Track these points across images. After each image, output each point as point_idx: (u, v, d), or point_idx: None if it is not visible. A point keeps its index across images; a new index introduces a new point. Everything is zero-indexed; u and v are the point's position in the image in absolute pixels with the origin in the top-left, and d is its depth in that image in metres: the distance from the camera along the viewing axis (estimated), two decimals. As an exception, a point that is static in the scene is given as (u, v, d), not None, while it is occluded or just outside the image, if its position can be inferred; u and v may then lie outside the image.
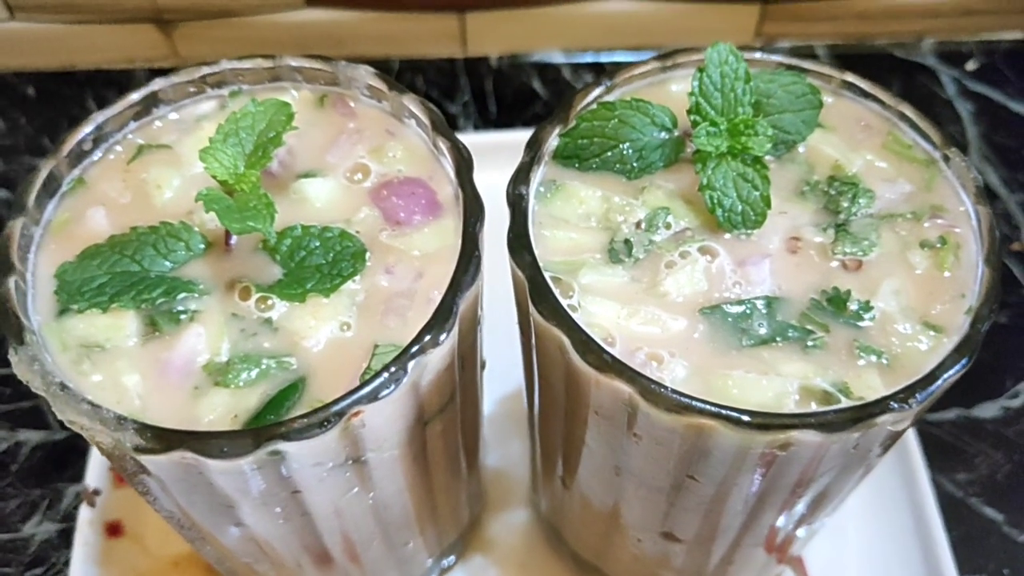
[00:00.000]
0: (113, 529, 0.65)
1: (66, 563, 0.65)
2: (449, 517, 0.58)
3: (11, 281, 0.41)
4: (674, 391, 0.38)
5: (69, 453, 0.70)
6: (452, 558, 0.64)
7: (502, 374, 0.61)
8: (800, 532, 0.54)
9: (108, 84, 0.92)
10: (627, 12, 0.91)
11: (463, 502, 0.59)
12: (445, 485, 0.53)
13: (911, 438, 0.67)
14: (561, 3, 0.90)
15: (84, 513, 0.64)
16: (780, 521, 0.48)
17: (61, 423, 0.70)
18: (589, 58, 0.94)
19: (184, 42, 0.91)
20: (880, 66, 0.93)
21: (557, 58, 0.94)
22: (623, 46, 0.94)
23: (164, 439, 0.37)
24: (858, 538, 0.65)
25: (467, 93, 0.92)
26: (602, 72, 0.93)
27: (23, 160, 0.87)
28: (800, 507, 0.47)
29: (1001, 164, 0.86)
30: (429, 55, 0.94)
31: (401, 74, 0.93)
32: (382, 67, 0.91)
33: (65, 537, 0.66)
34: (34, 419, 0.72)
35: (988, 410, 0.73)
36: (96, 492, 0.65)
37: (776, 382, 0.39)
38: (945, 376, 0.38)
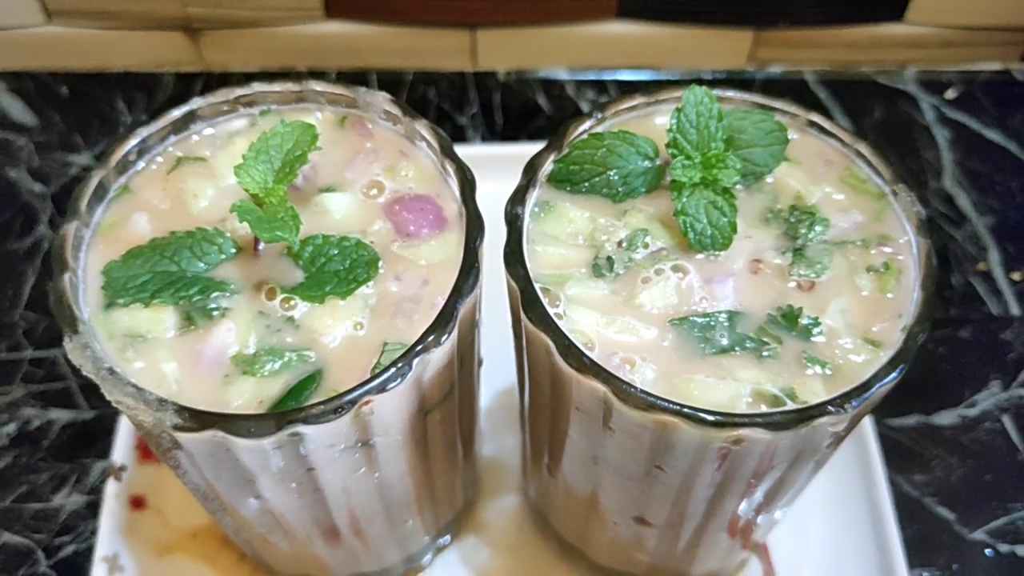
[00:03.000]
0: (137, 502, 0.70)
1: (92, 532, 0.70)
2: (446, 500, 0.63)
3: (66, 277, 0.47)
4: (643, 391, 0.43)
5: (97, 432, 0.75)
6: (448, 538, 0.69)
7: (499, 370, 0.66)
8: (760, 520, 0.59)
9: (137, 86, 0.97)
10: (629, 34, 0.96)
11: (459, 487, 0.65)
12: (443, 470, 0.59)
13: (872, 441, 0.72)
14: (567, 24, 0.95)
15: (111, 487, 0.69)
16: (740, 508, 0.54)
17: (89, 403, 0.76)
18: (592, 76, 0.99)
19: (210, 49, 0.96)
20: (864, 92, 0.98)
21: (562, 75, 0.99)
22: (624, 65, 0.99)
23: (199, 419, 0.43)
24: (819, 530, 0.70)
25: (476, 105, 0.97)
26: (603, 89, 0.99)
27: (56, 156, 0.92)
28: (758, 496, 0.53)
29: (972, 188, 0.91)
30: (441, 68, 0.98)
31: (414, 85, 0.97)
32: (396, 78, 0.98)
33: (92, 509, 0.71)
34: (64, 399, 0.77)
35: (946, 418, 0.78)
36: (122, 468, 0.70)
37: (732, 386, 0.45)
38: (879, 385, 0.44)
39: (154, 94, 0.96)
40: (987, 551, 0.71)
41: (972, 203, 0.90)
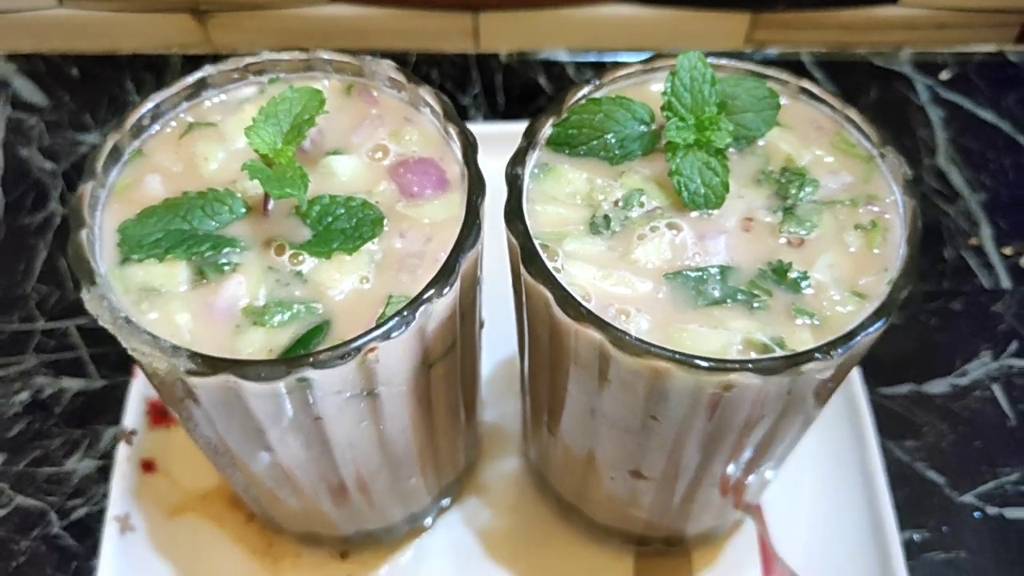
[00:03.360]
0: (147, 465, 0.72)
1: (104, 495, 0.72)
2: (448, 460, 0.65)
3: (83, 233, 0.49)
4: (637, 339, 0.45)
5: (107, 400, 0.77)
6: (448, 500, 0.71)
7: (500, 339, 0.68)
8: (752, 479, 0.61)
9: (146, 68, 0.99)
10: (628, 16, 0.98)
11: (461, 448, 0.67)
12: (445, 429, 0.60)
13: (864, 409, 0.73)
14: (567, 6, 0.97)
15: (122, 450, 0.71)
16: (732, 462, 0.56)
17: (100, 372, 0.78)
18: (592, 57, 1.01)
19: (217, 31, 0.98)
20: (860, 73, 1.00)
21: (562, 56, 1.01)
22: (623, 47, 1.01)
23: (211, 364, 0.44)
24: (812, 493, 0.72)
25: (478, 86, 0.99)
26: (603, 71, 1.01)
27: (67, 135, 0.94)
28: (748, 450, 0.54)
29: (965, 166, 0.93)
30: (444, 50, 1.00)
31: (418, 66, 0.99)
32: (400, 60, 0.99)
33: (103, 473, 0.73)
34: (76, 368, 0.79)
35: (938, 386, 0.79)
36: (133, 432, 0.72)
37: (724, 335, 0.47)
38: (864, 333, 0.45)
39: (163, 75, 0.98)
40: (976, 514, 0.73)
41: (965, 180, 0.92)
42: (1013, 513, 0.73)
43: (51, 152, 0.92)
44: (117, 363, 0.79)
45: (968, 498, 0.74)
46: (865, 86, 0.99)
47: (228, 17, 0.97)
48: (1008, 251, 0.87)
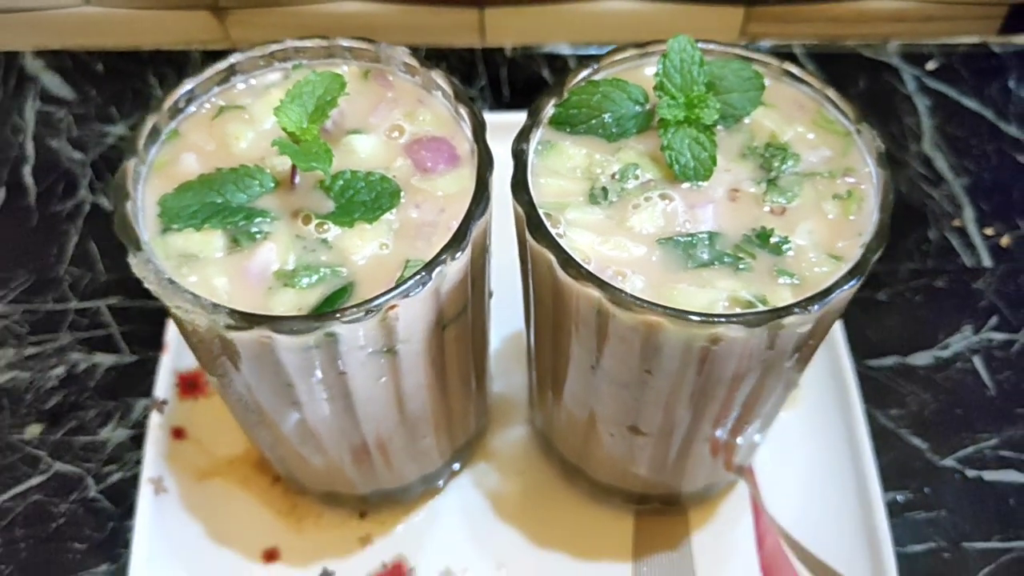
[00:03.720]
0: (178, 433, 0.77)
1: (136, 462, 0.76)
2: (459, 422, 0.70)
3: (128, 205, 0.53)
4: (632, 296, 0.50)
5: (137, 374, 0.81)
6: (459, 464, 0.76)
7: (506, 316, 0.72)
8: (740, 440, 0.65)
9: (167, 63, 1.03)
10: (627, 10, 1.02)
11: (471, 413, 0.71)
12: (457, 391, 0.65)
13: (851, 379, 0.77)
14: (569, 2, 1.02)
15: (154, 418, 0.76)
16: (721, 421, 0.60)
17: (131, 349, 0.83)
18: (593, 51, 1.05)
19: (236, 27, 1.03)
20: (850, 64, 1.04)
21: (564, 50, 1.05)
22: (623, 40, 1.04)
23: (248, 320, 0.49)
24: (802, 457, 0.76)
25: (484, 79, 1.03)
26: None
27: (93, 126, 0.98)
28: (735, 409, 0.59)
29: (950, 151, 0.97)
30: (452, 44, 1.05)
31: (426, 60, 1.04)
32: (409, 54, 1.03)
33: (135, 441, 0.78)
34: (108, 345, 0.83)
35: (921, 359, 0.84)
36: (164, 402, 0.77)
37: (711, 293, 0.51)
38: (838, 291, 0.50)
39: (183, 70, 1.03)
40: (956, 476, 0.77)
41: (949, 165, 0.96)
42: (991, 476, 0.78)
43: (79, 143, 0.97)
44: (145, 340, 0.83)
45: (949, 462, 0.78)
46: (855, 76, 1.04)
47: (246, 13, 1.02)
48: (989, 232, 0.91)
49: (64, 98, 1.00)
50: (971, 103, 1.01)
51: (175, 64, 1.03)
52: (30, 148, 0.96)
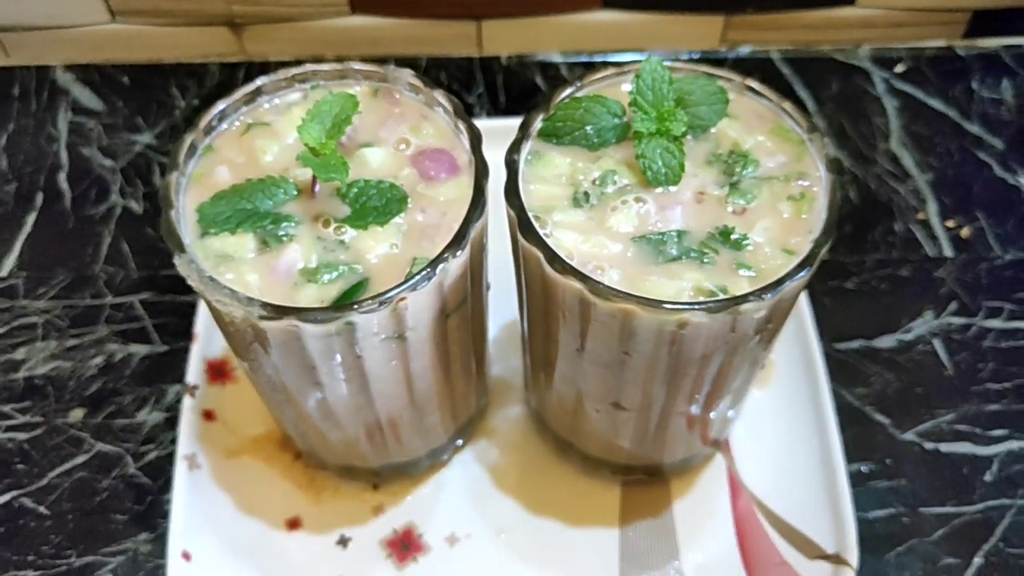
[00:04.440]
0: (208, 415, 0.84)
1: (171, 441, 0.84)
2: (462, 402, 0.77)
3: (172, 212, 0.61)
4: (610, 287, 0.57)
5: (169, 363, 0.88)
6: (462, 440, 0.84)
7: (503, 308, 0.80)
8: (713, 415, 0.73)
9: (188, 75, 1.11)
10: (614, 21, 1.09)
11: (473, 393, 0.79)
12: (459, 373, 0.73)
13: (819, 361, 0.84)
14: (560, 14, 1.08)
15: (187, 402, 0.83)
16: (695, 396, 0.68)
17: (163, 340, 0.91)
18: (583, 59, 1.12)
19: (251, 41, 1.11)
20: (823, 68, 1.11)
21: (556, 58, 1.12)
22: (610, 49, 1.12)
23: (278, 311, 0.57)
24: (773, 432, 0.83)
25: (481, 86, 1.11)
26: (592, 69, 1.13)
27: (122, 135, 1.06)
28: (706, 385, 0.67)
29: (916, 149, 1.04)
30: (451, 54, 1.11)
31: (428, 69, 1.11)
32: (412, 63, 1.13)
33: (169, 423, 0.85)
34: (141, 336, 0.91)
35: (886, 342, 0.91)
36: (195, 387, 0.84)
37: (679, 284, 0.59)
38: (789, 281, 0.57)
39: (203, 81, 1.11)
40: (915, 448, 0.85)
41: (915, 162, 1.03)
42: (947, 447, 0.85)
43: (109, 151, 1.04)
44: (175, 331, 0.91)
45: (909, 435, 0.86)
46: (828, 79, 1.11)
47: (260, 29, 1.09)
48: (951, 224, 0.99)
49: (94, 109, 1.08)
50: (936, 103, 1.08)
51: (195, 76, 1.11)
52: (64, 156, 1.04)
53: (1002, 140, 1.05)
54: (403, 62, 1.12)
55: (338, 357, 0.61)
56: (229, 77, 1.11)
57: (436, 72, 1.11)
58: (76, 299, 0.94)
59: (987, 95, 1.08)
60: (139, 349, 0.91)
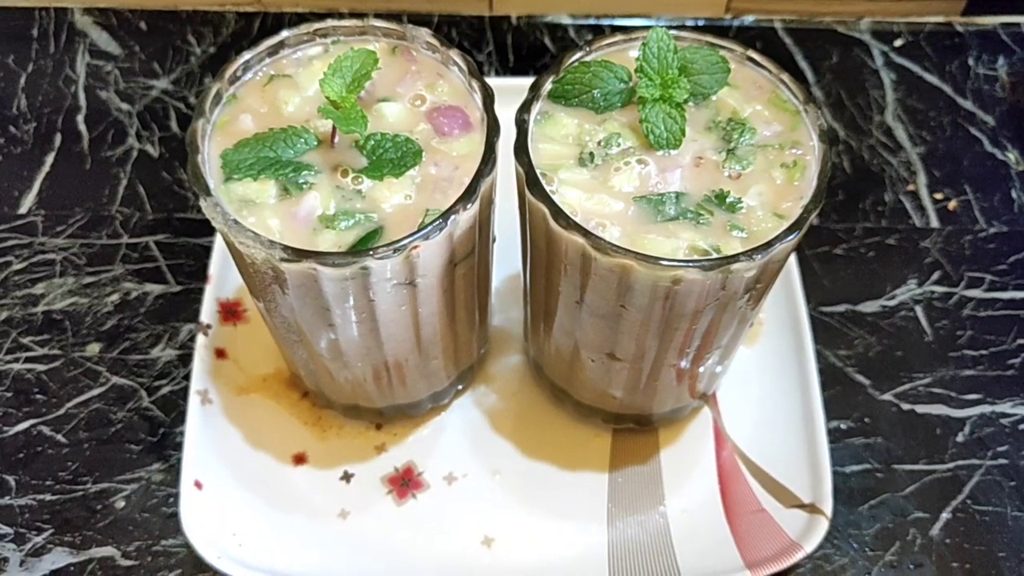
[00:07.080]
0: (219, 353, 0.88)
1: (184, 377, 0.88)
2: (464, 348, 0.81)
3: (198, 157, 0.64)
4: (610, 243, 0.61)
5: (183, 302, 0.92)
6: (462, 385, 0.88)
7: (506, 260, 0.84)
8: (701, 369, 0.77)
9: (204, 23, 1.13)
10: (623, -15, 1.13)
11: (474, 340, 0.83)
12: (463, 320, 0.76)
13: (805, 323, 0.88)
14: (570, -24, 1.12)
15: (200, 340, 0.87)
16: (686, 349, 0.72)
17: (176, 280, 0.94)
18: (592, 22, 1.15)
19: (266, -8, 1.13)
20: (824, 39, 1.14)
21: (565, 20, 1.15)
22: (618, 13, 1.15)
23: (299, 253, 0.60)
24: (758, 387, 0.87)
25: (491, 45, 1.13)
26: (600, 33, 1.16)
27: (139, 80, 1.09)
28: (697, 339, 0.71)
29: (909, 122, 1.08)
30: (462, 12, 1.14)
31: (439, 26, 1.14)
32: (425, 20, 1.15)
33: (182, 360, 0.89)
34: (156, 276, 0.95)
35: (870, 307, 0.95)
36: (208, 326, 0.88)
37: (675, 242, 0.62)
38: (779, 243, 0.61)
39: (219, 29, 1.13)
40: (892, 408, 0.89)
41: (908, 135, 1.07)
42: (922, 409, 0.89)
43: (126, 95, 1.07)
44: (189, 272, 0.95)
45: (887, 396, 0.90)
46: (828, 51, 1.14)
47: (276, -20, 1.12)
48: (939, 196, 1.02)
49: (112, 53, 1.11)
50: (932, 78, 1.11)
51: (211, 24, 1.13)
52: (82, 98, 1.07)
53: (994, 117, 1.08)
54: (415, 18, 1.17)
55: (352, 300, 0.65)
56: (245, 26, 1.14)
57: (447, 29, 1.14)
58: (93, 238, 0.97)
59: (982, 71, 1.12)
60: (154, 288, 0.94)
